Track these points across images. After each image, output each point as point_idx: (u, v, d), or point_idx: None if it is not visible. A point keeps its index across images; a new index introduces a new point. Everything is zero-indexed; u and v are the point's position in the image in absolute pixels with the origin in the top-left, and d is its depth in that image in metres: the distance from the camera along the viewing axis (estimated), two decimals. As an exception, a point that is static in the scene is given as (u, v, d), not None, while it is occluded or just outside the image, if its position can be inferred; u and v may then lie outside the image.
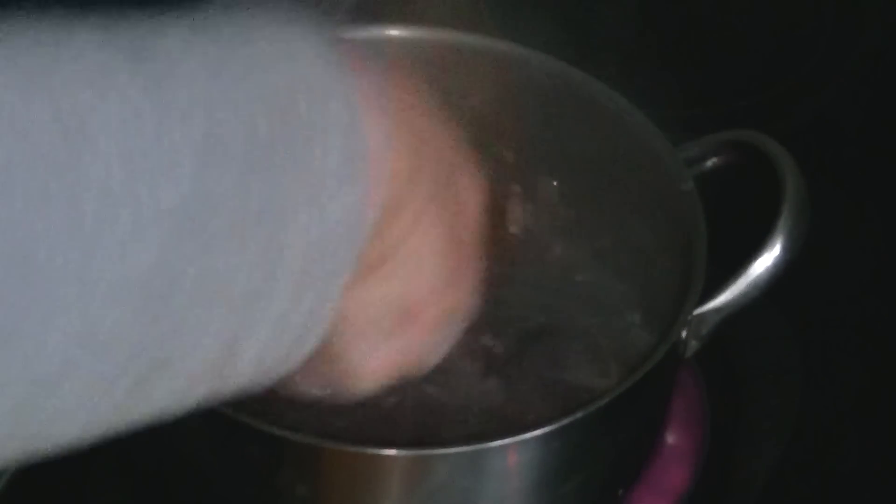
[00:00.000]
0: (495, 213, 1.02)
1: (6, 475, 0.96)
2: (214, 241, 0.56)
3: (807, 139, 1.05)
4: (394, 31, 1.07)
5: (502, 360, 0.94)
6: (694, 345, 0.93)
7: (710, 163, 0.98)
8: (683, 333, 0.91)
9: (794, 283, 0.92)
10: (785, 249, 0.91)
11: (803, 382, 1.06)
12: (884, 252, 1.15)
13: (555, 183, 1.02)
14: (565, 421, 0.84)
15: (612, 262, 1.01)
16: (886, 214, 1.16)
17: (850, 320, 1.10)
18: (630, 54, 1.25)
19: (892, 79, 1.27)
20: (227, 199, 0.57)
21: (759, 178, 0.93)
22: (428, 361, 0.75)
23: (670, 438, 1.01)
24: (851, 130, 1.23)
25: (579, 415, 0.84)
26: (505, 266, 0.99)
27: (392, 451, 0.82)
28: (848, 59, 1.29)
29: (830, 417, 1.05)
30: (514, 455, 0.85)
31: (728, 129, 1.00)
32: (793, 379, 1.06)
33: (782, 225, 0.91)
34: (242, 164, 0.57)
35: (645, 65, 1.25)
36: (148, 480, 0.96)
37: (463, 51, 1.06)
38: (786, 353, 1.08)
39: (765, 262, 0.91)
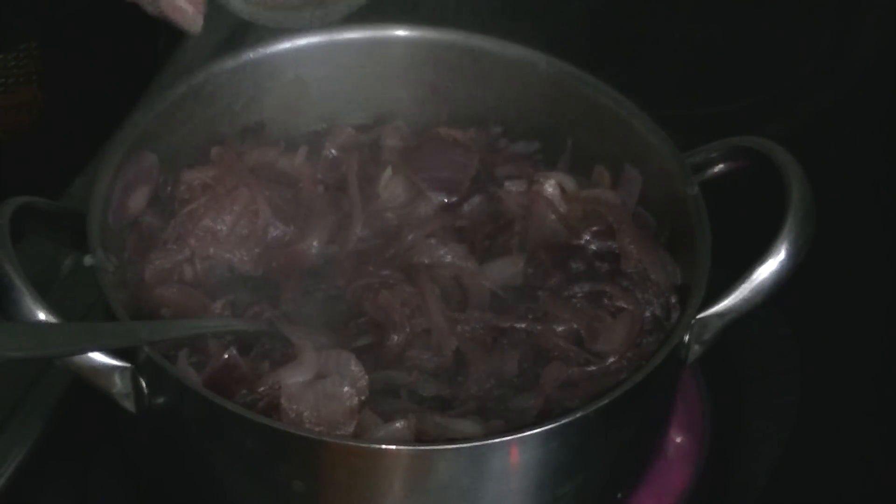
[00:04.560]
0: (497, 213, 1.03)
1: (6, 474, 0.96)
2: None
3: (807, 139, 1.05)
4: (395, 31, 1.07)
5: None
6: (697, 349, 0.93)
7: (716, 168, 0.98)
8: (686, 337, 0.91)
9: (794, 283, 0.92)
10: (790, 256, 0.91)
11: (803, 382, 1.06)
12: (884, 252, 1.15)
13: (557, 184, 1.02)
14: (565, 420, 0.84)
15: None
16: (886, 215, 1.17)
17: (850, 320, 1.10)
18: (632, 55, 1.25)
19: (892, 79, 1.27)
20: None
21: (765, 185, 0.94)
22: None
23: (670, 439, 1.01)
24: (851, 130, 1.24)
25: (578, 415, 0.84)
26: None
27: (392, 446, 0.83)
28: (848, 59, 1.29)
29: (830, 417, 1.05)
30: (513, 453, 0.85)
31: (728, 129, 1.00)
32: (793, 379, 1.06)
33: (787, 231, 0.91)
34: None
35: (647, 65, 1.25)
36: (147, 477, 0.96)
37: (467, 51, 1.06)
38: (786, 353, 1.08)
39: (769, 268, 0.91)
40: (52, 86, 1.29)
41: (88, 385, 0.87)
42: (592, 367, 0.92)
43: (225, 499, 0.89)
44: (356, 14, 1.07)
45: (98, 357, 0.85)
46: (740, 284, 0.91)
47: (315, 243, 0.99)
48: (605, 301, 0.95)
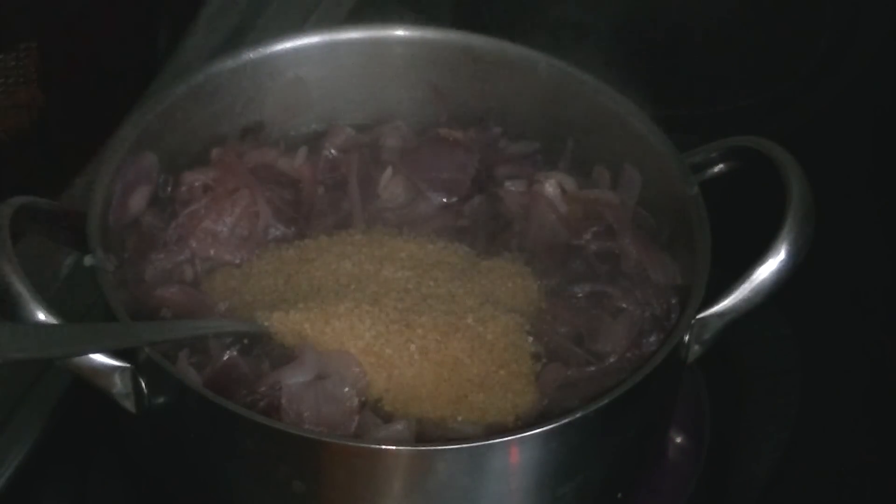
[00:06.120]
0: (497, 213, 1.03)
1: (6, 474, 0.96)
2: None
3: (806, 139, 1.05)
4: (395, 31, 1.07)
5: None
6: (697, 349, 0.93)
7: (716, 168, 0.98)
8: (686, 337, 0.91)
9: (794, 283, 0.92)
10: (789, 255, 0.91)
11: (803, 382, 1.06)
12: (883, 252, 1.15)
13: (557, 184, 1.02)
14: (565, 420, 0.84)
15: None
16: (886, 214, 1.17)
17: (850, 320, 1.10)
18: (632, 55, 1.25)
19: (891, 79, 1.27)
20: None
21: (765, 184, 0.93)
22: None
23: (670, 439, 1.01)
24: (851, 130, 1.24)
25: (578, 415, 0.84)
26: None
27: (392, 447, 0.83)
28: (847, 59, 1.29)
29: (830, 417, 1.05)
30: (513, 453, 0.85)
31: (729, 129, 1.00)
32: (793, 379, 1.07)
33: (787, 231, 0.91)
34: None
35: (647, 65, 1.25)
36: (147, 477, 0.96)
37: (467, 51, 1.06)
38: (786, 353, 1.08)
39: (769, 268, 0.91)
40: (52, 86, 1.29)
41: (88, 385, 0.86)
42: (592, 368, 0.92)
43: (225, 499, 0.90)
44: (356, 14, 1.07)
45: (98, 357, 0.85)
46: (740, 284, 0.91)
47: None
48: (605, 301, 0.95)
